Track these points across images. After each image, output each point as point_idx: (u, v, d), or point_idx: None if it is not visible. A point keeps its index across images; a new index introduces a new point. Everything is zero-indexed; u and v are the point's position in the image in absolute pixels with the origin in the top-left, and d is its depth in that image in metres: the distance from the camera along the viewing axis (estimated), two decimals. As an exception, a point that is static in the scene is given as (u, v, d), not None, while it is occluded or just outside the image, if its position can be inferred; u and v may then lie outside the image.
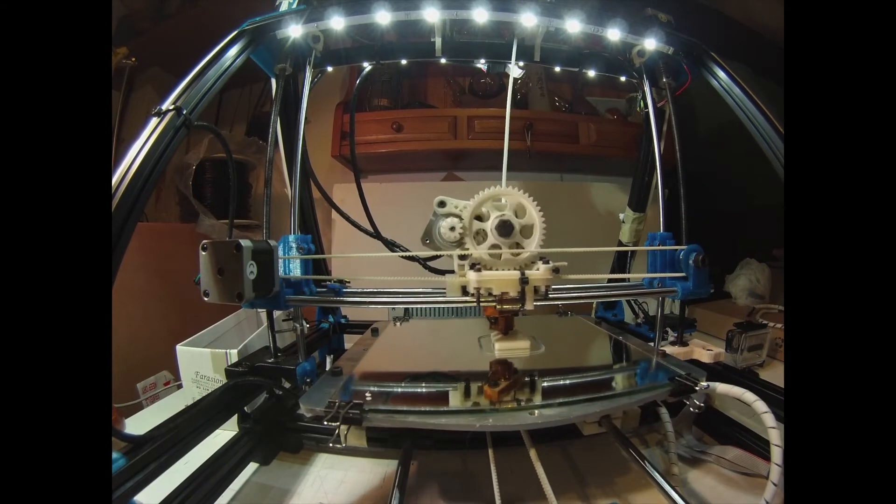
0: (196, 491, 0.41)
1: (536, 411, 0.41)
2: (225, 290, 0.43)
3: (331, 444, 0.38)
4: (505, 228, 0.45)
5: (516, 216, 0.46)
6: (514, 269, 0.43)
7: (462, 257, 0.45)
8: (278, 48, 0.61)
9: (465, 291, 0.44)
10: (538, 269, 0.43)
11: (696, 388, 0.43)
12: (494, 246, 0.45)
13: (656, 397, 0.46)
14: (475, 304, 0.43)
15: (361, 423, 0.38)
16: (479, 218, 0.46)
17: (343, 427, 0.39)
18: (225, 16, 0.71)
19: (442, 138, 1.26)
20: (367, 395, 0.44)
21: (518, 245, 0.46)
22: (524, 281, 0.42)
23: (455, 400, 0.45)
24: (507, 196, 0.47)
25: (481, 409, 0.42)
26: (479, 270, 0.43)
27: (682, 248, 0.55)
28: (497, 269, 0.44)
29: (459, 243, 0.45)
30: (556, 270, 0.43)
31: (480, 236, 0.46)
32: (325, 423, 0.39)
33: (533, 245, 0.45)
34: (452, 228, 0.45)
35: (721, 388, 0.43)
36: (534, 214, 0.46)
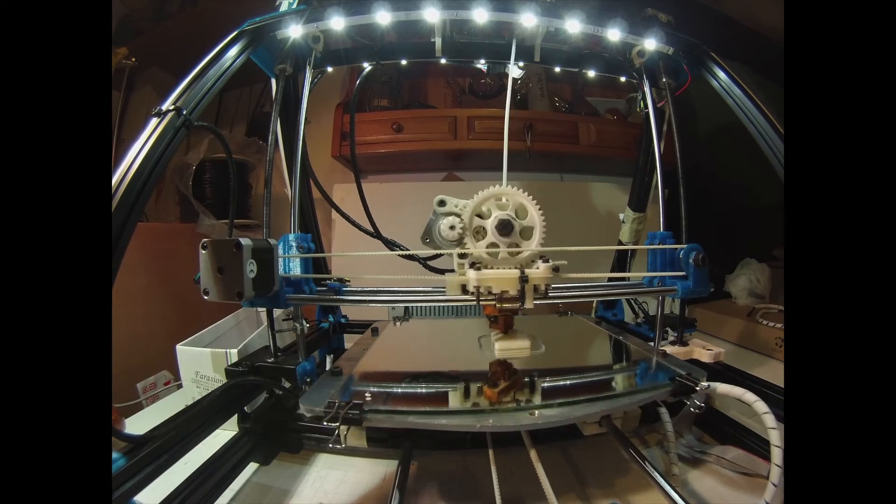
0: (196, 491, 0.41)
1: (537, 412, 0.41)
2: (225, 288, 0.43)
3: (330, 445, 0.37)
4: (505, 227, 0.45)
5: (517, 217, 0.46)
6: (514, 268, 0.43)
7: (462, 256, 0.45)
8: (278, 48, 0.61)
9: (464, 290, 0.44)
10: (538, 268, 0.43)
11: (697, 389, 0.43)
12: (493, 244, 0.45)
13: (657, 397, 0.46)
14: (475, 302, 0.43)
15: (361, 423, 0.38)
16: (480, 216, 0.46)
17: (343, 427, 0.39)
18: (225, 16, 0.72)
19: (442, 138, 1.26)
20: (367, 395, 0.44)
21: (516, 244, 0.46)
22: (524, 279, 0.42)
23: (455, 400, 0.45)
24: (508, 196, 0.46)
25: (481, 410, 0.42)
26: (478, 269, 0.43)
27: (681, 247, 0.55)
28: (497, 268, 0.44)
29: (459, 242, 0.45)
30: (555, 269, 0.43)
31: (480, 235, 0.46)
32: (325, 423, 0.38)
33: (533, 244, 0.45)
34: (452, 227, 0.45)
35: (722, 388, 0.43)
36: (535, 216, 0.46)
